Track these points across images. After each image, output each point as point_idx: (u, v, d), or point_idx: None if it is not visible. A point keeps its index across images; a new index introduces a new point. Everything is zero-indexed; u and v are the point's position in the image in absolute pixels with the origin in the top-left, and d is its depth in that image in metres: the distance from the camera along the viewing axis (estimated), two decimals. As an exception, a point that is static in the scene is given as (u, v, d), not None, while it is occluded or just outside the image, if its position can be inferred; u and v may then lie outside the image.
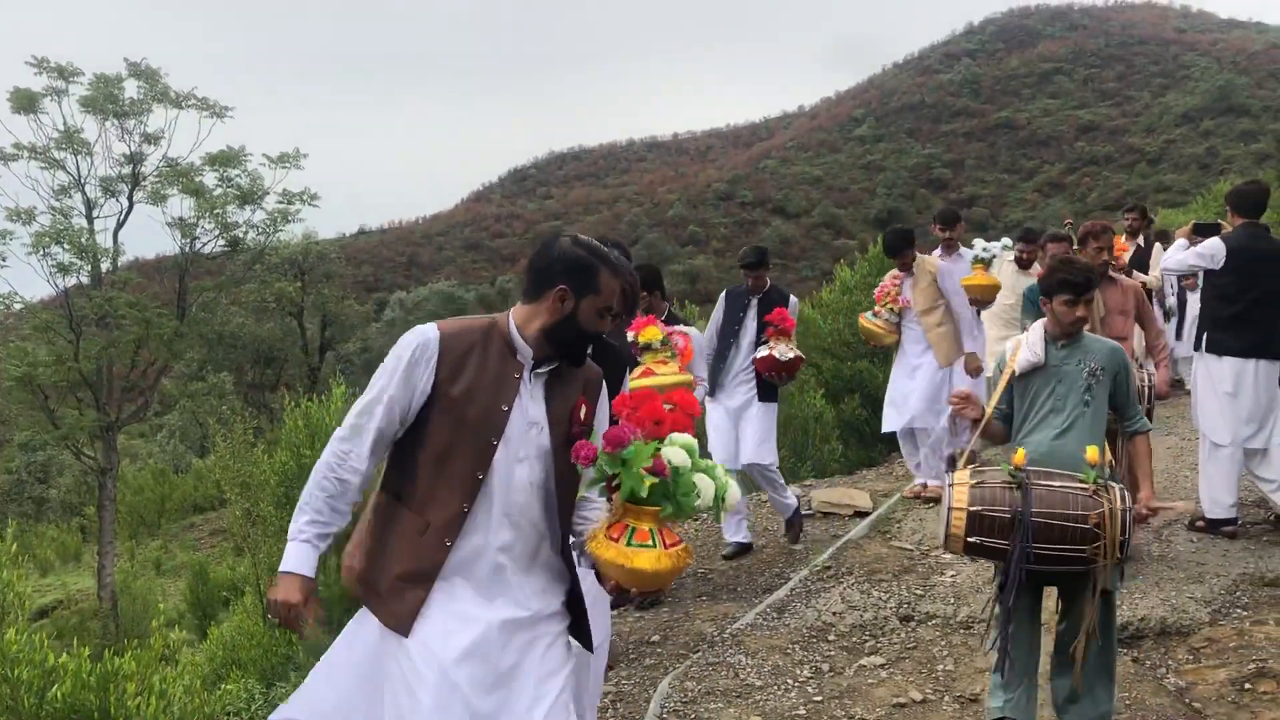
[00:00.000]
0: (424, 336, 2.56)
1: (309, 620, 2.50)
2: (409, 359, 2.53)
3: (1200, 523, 6.13)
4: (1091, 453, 3.75)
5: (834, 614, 5.34)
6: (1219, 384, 6.08)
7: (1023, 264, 8.48)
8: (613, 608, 2.65)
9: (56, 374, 20.55)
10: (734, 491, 2.57)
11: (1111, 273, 5.80)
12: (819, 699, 4.36)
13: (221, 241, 23.08)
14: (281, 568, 2.51)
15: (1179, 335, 10.28)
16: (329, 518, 2.54)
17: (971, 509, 3.63)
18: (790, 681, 4.55)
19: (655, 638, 5.25)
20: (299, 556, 2.52)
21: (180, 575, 23.40)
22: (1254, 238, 5.99)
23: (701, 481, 2.48)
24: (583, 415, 2.67)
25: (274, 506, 7.64)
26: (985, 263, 7.29)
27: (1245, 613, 5.00)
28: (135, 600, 19.74)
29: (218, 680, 6.58)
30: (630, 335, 4.99)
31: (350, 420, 2.57)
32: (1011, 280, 8.15)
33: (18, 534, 4.22)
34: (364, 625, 2.63)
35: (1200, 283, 7.00)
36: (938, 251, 7.52)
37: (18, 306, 21.71)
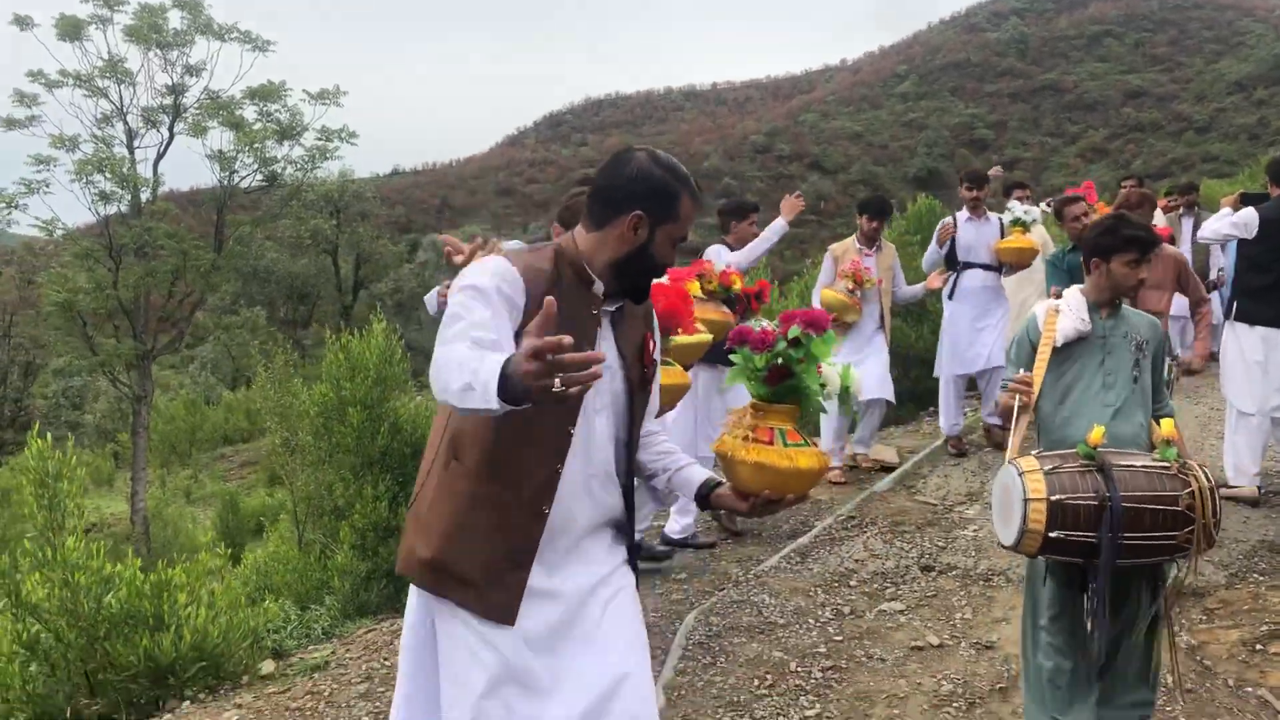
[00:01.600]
0: (504, 269, 2.18)
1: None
2: (496, 290, 2.14)
3: (1223, 490, 6.21)
4: (1167, 426, 3.41)
5: (856, 561, 5.48)
6: (1248, 353, 6.12)
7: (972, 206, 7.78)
8: (752, 515, 2.35)
9: (95, 301, 20.94)
10: (857, 383, 2.52)
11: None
12: (839, 639, 4.51)
13: (259, 176, 23.30)
14: (485, 393, 1.85)
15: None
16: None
17: (1052, 499, 3.14)
18: (812, 621, 4.70)
19: (682, 575, 5.41)
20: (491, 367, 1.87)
21: (210, 504, 23.90)
22: None
23: (828, 373, 2.41)
24: (651, 348, 2.45)
25: (312, 436, 7.81)
26: (1025, 226, 7.30)
27: (1262, 578, 5.09)
28: (166, 526, 20.19)
29: (253, 603, 6.81)
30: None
31: (454, 330, 2.08)
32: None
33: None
34: (421, 628, 2.35)
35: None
36: (963, 213, 7.54)
37: (59, 233, 22.06)
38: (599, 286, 2.27)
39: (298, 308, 39.72)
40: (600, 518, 2.38)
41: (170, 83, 21.73)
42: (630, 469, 2.46)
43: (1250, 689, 4.19)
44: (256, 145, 21.70)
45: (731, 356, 2.50)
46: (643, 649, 2.38)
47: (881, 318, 7.25)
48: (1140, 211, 5.52)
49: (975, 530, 5.86)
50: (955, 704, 3.92)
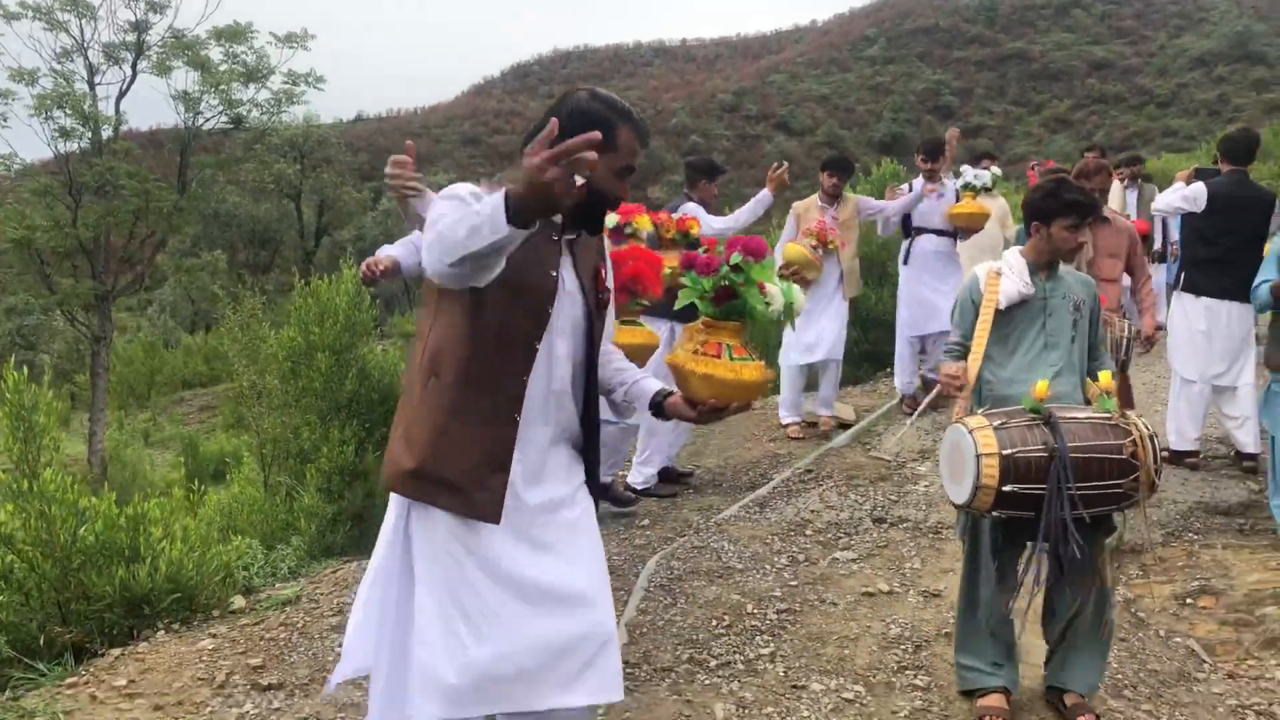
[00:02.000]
0: (474, 189, 2.31)
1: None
2: (471, 196, 2.25)
3: (1165, 453, 6.46)
4: (1105, 378, 3.52)
5: (812, 512, 5.68)
6: (1194, 323, 6.35)
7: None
8: (700, 422, 2.52)
9: (54, 239, 20.65)
10: (799, 297, 2.67)
11: (1107, 212, 5.80)
12: (794, 583, 4.70)
13: (224, 118, 23.00)
14: (494, 221, 1.98)
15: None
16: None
17: (1004, 453, 3.20)
18: (768, 567, 4.89)
19: (645, 521, 5.58)
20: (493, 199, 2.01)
21: (168, 447, 23.77)
22: (1237, 184, 6.21)
23: (771, 291, 2.58)
24: (604, 278, 2.59)
25: (279, 380, 7.87)
26: (975, 190, 7.44)
27: (1196, 536, 5.35)
28: (125, 467, 20.08)
29: (221, 541, 6.89)
30: (614, 219, 4.68)
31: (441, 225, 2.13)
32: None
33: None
34: (397, 541, 2.47)
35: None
36: (919, 180, 7.68)
37: (17, 167, 21.68)
38: (557, 216, 2.37)
39: (259, 253, 39.29)
40: (559, 435, 2.54)
41: (134, 19, 21.36)
42: (590, 391, 2.59)
43: (1179, 639, 4.44)
44: (222, 87, 21.42)
45: (682, 279, 2.67)
46: (604, 575, 2.56)
47: (841, 276, 7.32)
48: (1096, 180, 5.65)
49: (926, 485, 6.08)
50: (902, 646, 4.13)
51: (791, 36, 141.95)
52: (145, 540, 4.45)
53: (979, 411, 3.46)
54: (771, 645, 4.10)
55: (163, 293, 39.31)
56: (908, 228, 7.80)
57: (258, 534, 7.48)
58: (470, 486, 2.36)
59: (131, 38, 21.46)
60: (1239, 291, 6.16)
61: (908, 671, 3.92)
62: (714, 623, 4.29)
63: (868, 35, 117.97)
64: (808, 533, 5.38)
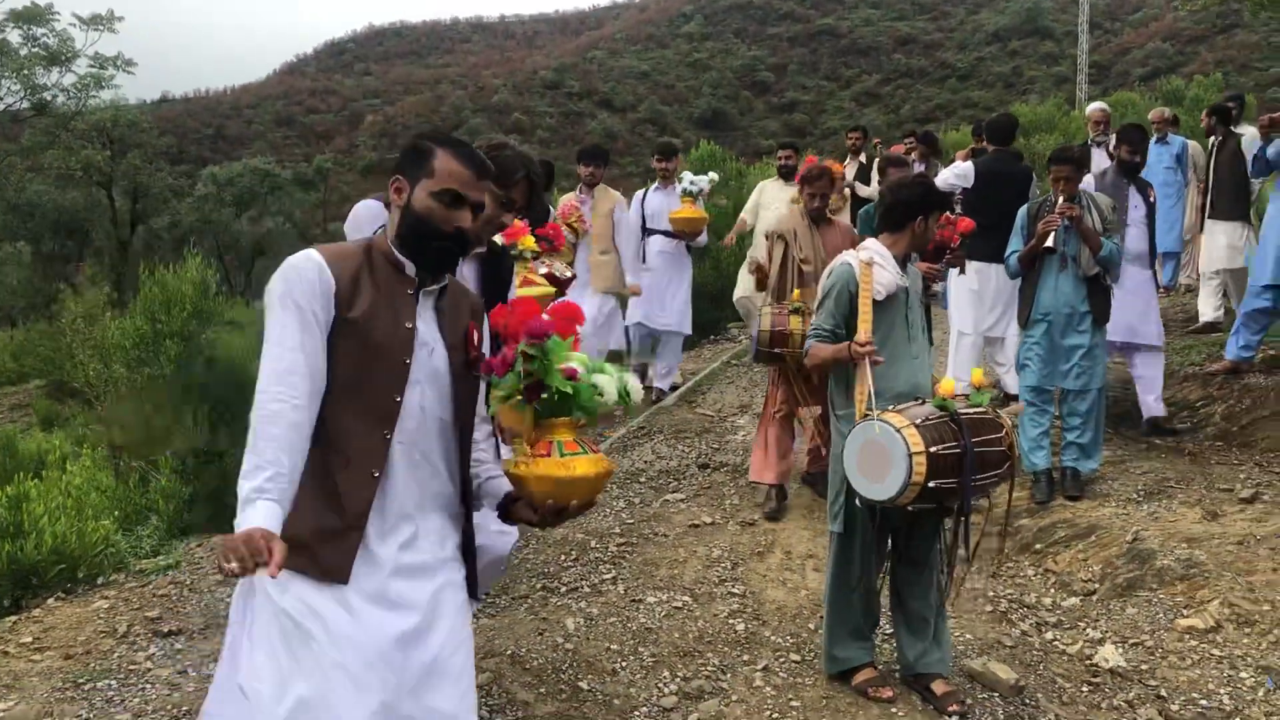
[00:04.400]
0: (308, 263, 2.28)
1: (276, 556, 1.98)
2: (304, 295, 2.25)
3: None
4: (978, 375, 3.72)
5: (645, 462, 6.39)
6: (967, 283, 7.30)
7: (784, 174, 8.33)
8: (544, 526, 2.45)
9: None
10: (634, 384, 2.50)
11: (828, 214, 5.91)
12: (631, 521, 5.40)
13: (26, 104, 22.10)
14: (241, 525, 2.05)
15: None
16: (290, 464, 2.16)
17: (930, 450, 3.31)
18: (608, 510, 5.58)
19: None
20: (266, 513, 2.07)
21: (-20, 448, 22.77)
22: (1000, 162, 7.19)
23: (601, 380, 2.43)
24: (476, 340, 2.50)
25: (126, 368, 8.07)
26: (694, 196, 7.66)
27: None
28: (-67, 471, 19.23)
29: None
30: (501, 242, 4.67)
31: (265, 383, 2.20)
32: (776, 191, 8.35)
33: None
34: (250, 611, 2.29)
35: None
36: (655, 185, 7.93)
37: None
38: (410, 268, 2.37)
39: (65, 243, 37.50)
40: (425, 499, 2.40)
41: (-79, 0, 20.32)
42: (463, 456, 2.50)
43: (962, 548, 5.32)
44: (24, 71, 20.61)
45: (491, 390, 2.46)
46: (470, 682, 2.44)
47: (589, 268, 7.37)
48: (814, 187, 5.67)
49: (744, 435, 6.87)
50: (723, 564, 4.87)
51: (610, 13, 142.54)
52: (29, 517, 4.77)
53: (892, 409, 3.50)
54: (613, 571, 4.77)
55: (-39, 288, 37.09)
56: (642, 229, 7.93)
57: (111, 518, 7.70)
58: (318, 544, 2.25)
59: (-80, 20, 20.42)
60: (1003, 255, 7.15)
61: (727, 583, 4.67)
62: (562, 557, 4.94)
63: (684, 12, 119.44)
64: (641, 480, 6.09)
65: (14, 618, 4.39)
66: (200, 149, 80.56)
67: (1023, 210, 6.00)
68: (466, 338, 2.47)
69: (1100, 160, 8.36)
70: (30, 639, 4.09)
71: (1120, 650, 4.34)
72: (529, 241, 4.50)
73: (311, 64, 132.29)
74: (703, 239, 8.12)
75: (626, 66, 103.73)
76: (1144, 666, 4.23)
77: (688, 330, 8.07)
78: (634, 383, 2.50)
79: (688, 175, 7.68)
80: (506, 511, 2.51)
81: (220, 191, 42.04)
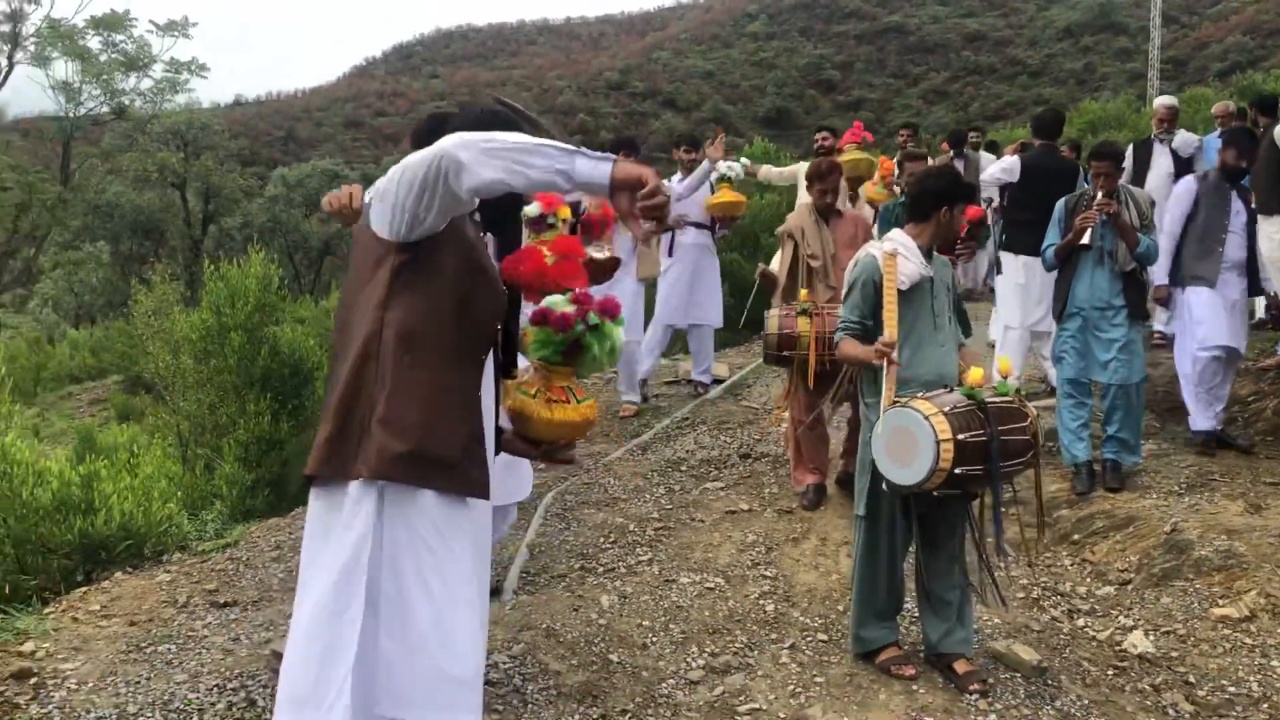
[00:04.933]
0: None
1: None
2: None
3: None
4: (1005, 364, 3.87)
5: (687, 451, 6.52)
6: (1015, 277, 7.32)
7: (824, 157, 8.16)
8: (545, 460, 2.75)
9: (-67, 235, 20.37)
10: (619, 337, 2.69)
11: (838, 206, 5.86)
12: (669, 508, 5.54)
13: (106, 108, 22.86)
14: (599, 173, 2.15)
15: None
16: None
17: (959, 438, 3.40)
18: (648, 496, 5.72)
19: (541, 466, 6.33)
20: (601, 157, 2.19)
21: (60, 441, 23.57)
22: (1045, 157, 7.21)
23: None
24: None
25: (193, 360, 8.38)
26: (730, 181, 7.64)
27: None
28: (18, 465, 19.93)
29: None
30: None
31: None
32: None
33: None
34: (367, 535, 2.34)
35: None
36: (677, 175, 7.77)
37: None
38: (475, 215, 2.58)
39: (142, 242, 38.62)
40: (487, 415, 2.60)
41: (8, 9, 21.15)
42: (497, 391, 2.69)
43: (989, 539, 5.37)
44: (104, 77, 21.34)
45: (531, 329, 2.66)
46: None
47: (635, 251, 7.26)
48: (829, 181, 5.64)
49: (786, 427, 6.95)
50: (757, 549, 4.99)
51: (675, 14, 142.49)
52: (99, 495, 5.04)
53: (921, 396, 3.59)
54: (649, 554, 4.91)
55: (43, 287, 38.38)
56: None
57: (178, 503, 8.03)
58: (465, 461, 2.39)
59: (6, 28, 21.24)
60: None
61: (759, 567, 4.79)
62: (601, 540, 5.09)
63: (749, 11, 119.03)
64: (683, 469, 6.21)
65: (84, 588, 4.65)
66: (271, 151, 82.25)
67: (1060, 203, 6.01)
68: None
69: (1162, 158, 8.19)
70: (98, 607, 4.35)
71: (1150, 637, 4.37)
72: (565, 211, 4.62)
73: (380, 67, 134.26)
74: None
75: (691, 66, 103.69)
76: (1174, 653, 4.26)
77: (718, 322, 8.04)
78: (619, 336, 2.71)
79: (721, 161, 7.61)
80: (499, 443, 2.70)
81: (290, 192, 42.95)
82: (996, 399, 3.63)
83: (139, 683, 3.64)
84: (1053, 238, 5.93)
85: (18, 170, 20.45)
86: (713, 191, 7.72)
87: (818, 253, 5.54)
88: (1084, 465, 5.79)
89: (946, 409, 3.46)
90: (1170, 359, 7.38)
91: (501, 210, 2.64)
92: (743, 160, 8.09)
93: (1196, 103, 18.27)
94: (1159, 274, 6.32)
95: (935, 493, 3.54)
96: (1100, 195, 5.64)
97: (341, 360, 2.43)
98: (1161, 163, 7.89)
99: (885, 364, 3.67)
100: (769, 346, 5.34)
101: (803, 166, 8.40)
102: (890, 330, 3.71)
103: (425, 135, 2.70)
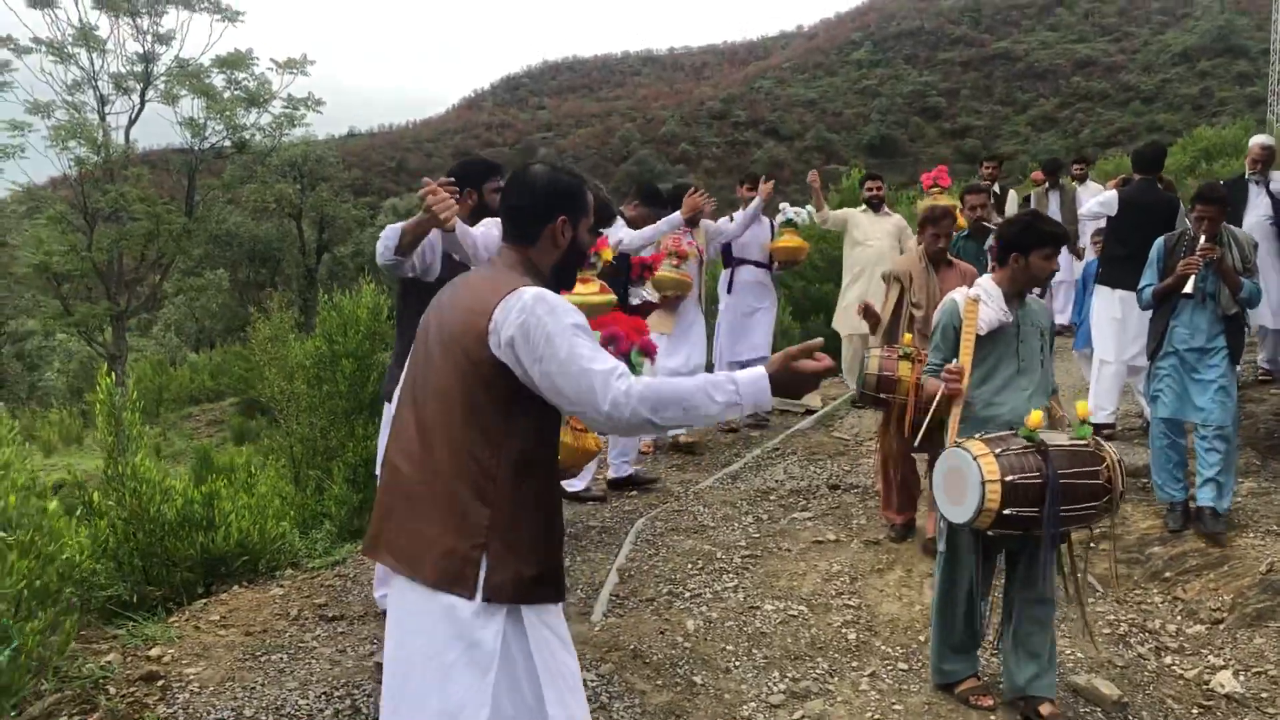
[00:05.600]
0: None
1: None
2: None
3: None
4: (1082, 408, 3.80)
5: (777, 481, 6.63)
6: (1111, 311, 7.25)
7: (874, 205, 8.53)
8: None
9: (69, 263, 21.55)
10: (647, 367, 3.01)
11: (949, 256, 5.79)
12: (757, 536, 5.66)
13: (228, 142, 23.95)
14: (757, 396, 2.32)
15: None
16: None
17: (1006, 479, 3.46)
18: (736, 525, 5.85)
19: (633, 493, 6.52)
20: (756, 378, 2.32)
21: (180, 460, 24.65)
22: (1144, 191, 7.16)
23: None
24: None
25: (306, 385, 8.80)
26: (795, 226, 7.82)
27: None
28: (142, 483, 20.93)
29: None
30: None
31: (611, 362, 2.32)
32: (869, 225, 8.45)
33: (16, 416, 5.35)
34: (502, 658, 2.33)
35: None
36: (738, 212, 7.90)
37: (19, 189, 22.48)
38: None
39: (259, 270, 40.13)
40: None
41: (141, 50, 22.34)
42: None
43: (1079, 575, 5.37)
44: (227, 113, 22.39)
45: None
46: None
47: (701, 295, 7.43)
48: (943, 225, 5.60)
49: (876, 460, 7.02)
50: (841, 579, 5.08)
51: (778, 43, 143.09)
52: (219, 513, 5.38)
53: (978, 437, 3.67)
54: (735, 580, 5.05)
55: (166, 312, 40.10)
56: (728, 258, 8.11)
57: (291, 522, 8.43)
58: (557, 569, 2.46)
59: (139, 69, 22.43)
60: None
61: (843, 596, 4.88)
62: (689, 566, 5.23)
63: (854, 39, 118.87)
64: (772, 498, 6.33)
65: (204, 600, 4.98)
66: (383, 181, 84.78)
67: (1159, 242, 5.95)
68: None
69: (1260, 198, 7.98)
70: (217, 617, 4.66)
71: (1240, 678, 4.34)
72: (608, 254, 4.80)
73: (489, 98, 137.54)
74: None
75: (794, 95, 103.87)
76: (1263, 694, 4.23)
77: (767, 354, 8.06)
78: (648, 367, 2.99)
79: (785, 206, 7.86)
80: None
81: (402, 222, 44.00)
82: (1070, 443, 3.65)
83: (254, 689, 3.91)
84: (1150, 277, 5.88)
85: (147, 202, 21.50)
86: (772, 234, 8.01)
87: (922, 302, 5.46)
88: (1179, 504, 5.73)
89: (998, 450, 3.54)
90: (1276, 394, 7.26)
91: (571, 269, 2.65)
92: (808, 208, 8.21)
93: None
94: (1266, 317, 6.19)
95: (989, 531, 3.62)
96: (1204, 240, 5.56)
97: (434, 454, 2.40)
98: (1260, 203, 7.68)
99: (956, 398, 3.79)
100: (866, 386, 5.25)
101: (852, 213, 8.50)
102: (962, 363, 3.84)
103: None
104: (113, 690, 3.80)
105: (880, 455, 5.78)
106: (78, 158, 21.09)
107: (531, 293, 2.32)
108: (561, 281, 2.59)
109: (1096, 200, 7.46)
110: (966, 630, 4.01)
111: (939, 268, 5.60)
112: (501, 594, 2.31)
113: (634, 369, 2.84)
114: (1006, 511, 3.46)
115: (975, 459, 3.52)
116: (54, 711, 3.64)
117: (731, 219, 7.85)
